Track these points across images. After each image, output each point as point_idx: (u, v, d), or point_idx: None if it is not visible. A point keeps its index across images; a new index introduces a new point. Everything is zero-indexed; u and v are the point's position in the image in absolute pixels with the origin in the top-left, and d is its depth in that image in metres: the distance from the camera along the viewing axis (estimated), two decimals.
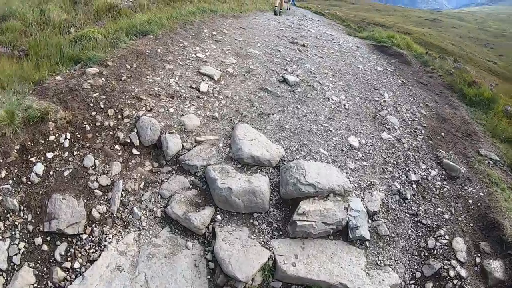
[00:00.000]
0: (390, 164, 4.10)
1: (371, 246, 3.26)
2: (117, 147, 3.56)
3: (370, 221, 3.41)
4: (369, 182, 3.74)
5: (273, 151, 3.62)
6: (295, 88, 5.22)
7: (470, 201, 3.83)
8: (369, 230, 3.29)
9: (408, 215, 3.64)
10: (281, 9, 12.69)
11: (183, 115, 4.03)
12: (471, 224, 3.63)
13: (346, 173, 3.73)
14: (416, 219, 3.62)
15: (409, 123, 4.99)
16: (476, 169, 4.31)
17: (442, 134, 4.85)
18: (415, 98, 5.83)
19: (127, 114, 3.81)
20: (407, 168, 4.11)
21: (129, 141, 3.63)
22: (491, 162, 4.56)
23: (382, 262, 3.16)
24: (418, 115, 5.25)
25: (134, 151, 3.62)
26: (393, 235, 3.41)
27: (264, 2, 15.31)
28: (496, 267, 3.18)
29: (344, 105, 5.07)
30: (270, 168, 3.57)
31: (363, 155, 4.09)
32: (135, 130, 3.70)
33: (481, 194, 3.92)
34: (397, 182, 3.90)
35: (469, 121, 5.38)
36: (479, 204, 3.80)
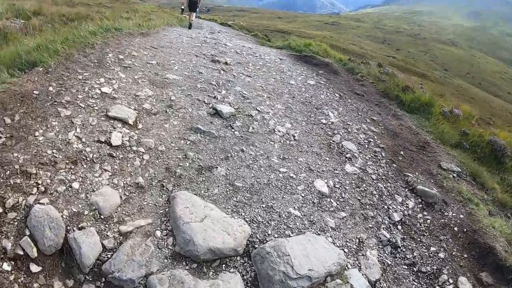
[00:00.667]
0: (368, 207, 3.38)
1: None
2: (6, 266, 2.09)
3: None
4: (357, 241, 2.94)
5: (237, 233, 2.52)
6: (232, 122, 4.20)
7: (456, 229, 3.41)
8: None
9: (406, 267, 2.97)
10: (190, 23, 11.64)
11: (94, 190, 2.66)
12: (465, 256, 3.20)
13: (331, 236, 2.86)
14: (414, 269, 2.97)
15: (366, 146, 4.42)
16: (446, 187, 3.94)
17: (402, 153, 4.41)
18: (359, 114, 5.38)
19: (12, 205, 2.33)
20: (385, 207, 3.46)
21: (21, 252, 2.17)
22: (455, 175, 4.27)
23: None
24: (370, 133, 4.75)
25: (33, 268, 2.17)
26: None
27: (169, 16, 14.01)
28: None
29: (294, 136, 4.25)
30: (238, 258, 2.48)
31: (337, 202, 3.28)
32: (27, 232, 2.26)
33: (461, 216, 3.55)
34: (383, 228, 3.20)
35: (417, 131, 5.11)
36: (464, 230, 3.40)
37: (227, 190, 3.05)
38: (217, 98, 4.73)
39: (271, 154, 3.75)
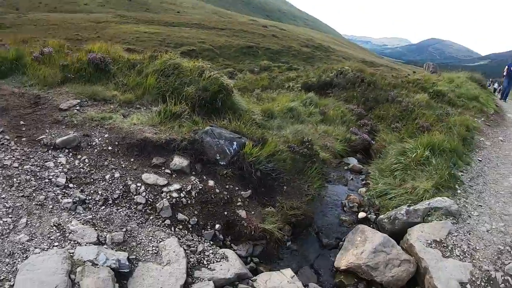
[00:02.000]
0: (34, 194, 3.11)
1: None
2: None
3: None
4: (55, 228, 2.77)
5: None
6: None
7: (110, 148, 3.90)
8: None
9: (104, 206, 3.23)
10: None
11: None
12: (132, 159, 3.84)
13: (32, 242, 2.50)
14: (109, 202, 3.30)
15: None
16: (77, 123, 4.20)
17: (22, 122, 4.04)
18: None
19: None
20: (46, 180, 3.31)
21: None
22: (76, 109, 4.54)
23: None
24: None
25: None
26: None
27: None
28: None
29: None
30: None
31: (6, 214, 2.79)
32: None
33: (105, 135, 4.04)
34: (62, 197, 3.16)
35: (22, 92, 4.69)
36: (116, 143, 3.96)
37: None
38: None
39: None
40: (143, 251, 2.89)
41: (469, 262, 3.36)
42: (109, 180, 3.50)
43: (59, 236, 2.75)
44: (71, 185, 3.36)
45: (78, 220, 2.97)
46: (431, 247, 3.50)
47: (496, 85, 29.06)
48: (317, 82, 10.14)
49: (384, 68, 23.79)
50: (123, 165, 3.72)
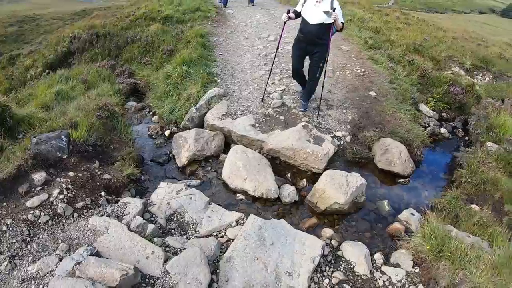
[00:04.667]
0: None
1: None
2: None
3: None
4: None
5: None
6: None
7: None
8: None
9: None
10: None
11: None
12: None
13: None
14: None
15: None
16: None
17: None
18: None
19: None
20: None
21: None
22: None
23: None
24: None
25: None
26: None
27: None
28: None
29: None
30: None
31: None
32: None
33: None
34: None
35: None
36: None
37: None
38: None
39: None
40: None
41: (249, 114, 5.19)
42: None
43: None
44: None
45: None
46: (223, 119, 5.10)
47: None
48: (56, 57, 9.29)
49: (100, 12, 22.78)
50: None
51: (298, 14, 4.84)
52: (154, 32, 8.85)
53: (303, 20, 4.78)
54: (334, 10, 4.44)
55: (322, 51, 4.84)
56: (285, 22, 4.90)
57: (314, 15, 4.58)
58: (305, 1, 4.72)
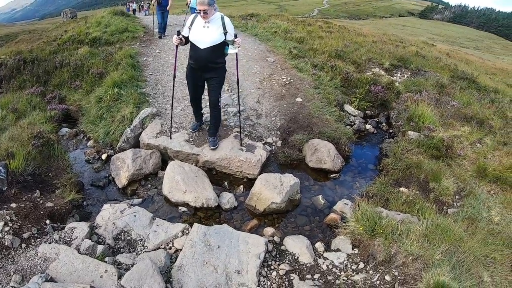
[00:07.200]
0: None
1: None
2: None
3: None
4: None
5: None
6: None
7: None
8: None
9: None
10: None
11: None
12: None
13: None
14: None
15: None
16: None
17: None
18: None
19: None
20: None
21: None
22: None
23: None
24: None
25: None
26: None
27: None
28: None
29: None
30: None
31: None
32: None
33: None
34: None
35: None
36: None
37: None
38: None
39: None
40: None
41: (183, 130, 5.34)
42: None
43: None
44: None
45: None
46: (157, 137, 5.27)
47: (134, 5, 31.75)
48: None
49: (25, 36, 21.34)
50: None
51: (186, 39, 4.38)
52: (83, 55, 8.67)
53: (193, 46, 4.36)
54: (236, 36, 4.25)
55: (220, 76, 4.58)
56: (177, 46, 4.44)
57: (205, 38, 4.22)
58: (191, 24, 4.30)
